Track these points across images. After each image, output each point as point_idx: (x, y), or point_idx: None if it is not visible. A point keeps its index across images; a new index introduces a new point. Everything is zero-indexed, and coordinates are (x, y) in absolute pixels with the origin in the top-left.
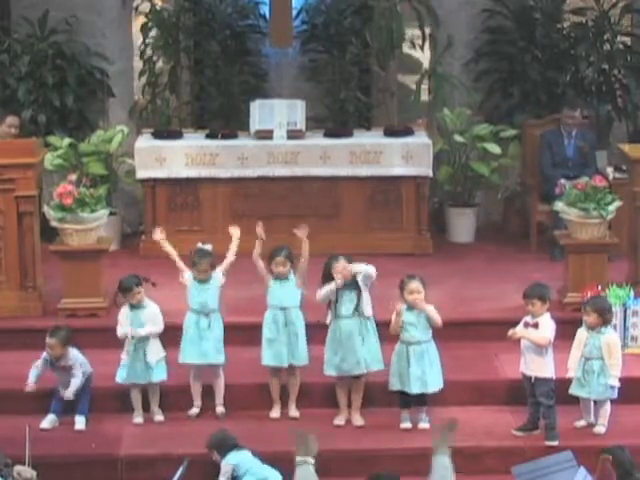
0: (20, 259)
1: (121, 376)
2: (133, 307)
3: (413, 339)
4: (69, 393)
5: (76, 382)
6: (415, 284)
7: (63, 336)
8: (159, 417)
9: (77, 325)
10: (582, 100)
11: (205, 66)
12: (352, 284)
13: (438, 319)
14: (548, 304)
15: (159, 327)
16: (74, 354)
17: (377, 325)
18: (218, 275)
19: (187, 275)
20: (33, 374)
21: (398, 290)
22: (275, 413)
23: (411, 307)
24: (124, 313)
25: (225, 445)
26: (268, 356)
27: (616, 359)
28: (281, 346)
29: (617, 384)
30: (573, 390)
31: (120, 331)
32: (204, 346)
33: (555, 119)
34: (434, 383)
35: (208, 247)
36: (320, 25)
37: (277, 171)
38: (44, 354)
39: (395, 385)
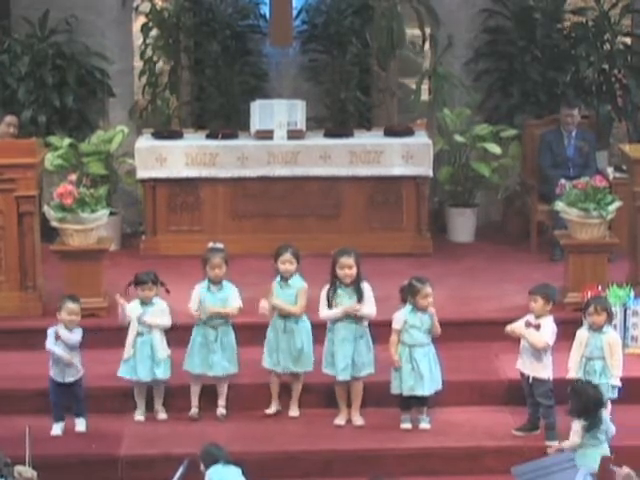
0: (20, 259)
1: (125, 371)
2: (143, 303)
3: (416, 341)
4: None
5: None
6: (430, 289)
7: (80, 306)
8: (162, 415)
9: None
10: (582, 100)
11: (205, 66)
12: (354, 288)
13: (439, 328)
14: (550, 305)
15: (167, 321)
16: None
17: (376, 326)
18: (231, 285)
19: (196, 289)
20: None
21: (403, 293)
22: (272, 410)
23: (416, 309)
24: (133, 307)
25: (210, 458)
26: (267, 360)
27: (618, 359)
28: (279, 352)
29: (619, 384)
30: None
31: (125, 320)
32: (211, 359)
33: (555, 119)
34: (438, 383)
35: (220, 245)
36: (320, 25)
37: (277, 171)
38: (50, 330)
39: (396, 389)
